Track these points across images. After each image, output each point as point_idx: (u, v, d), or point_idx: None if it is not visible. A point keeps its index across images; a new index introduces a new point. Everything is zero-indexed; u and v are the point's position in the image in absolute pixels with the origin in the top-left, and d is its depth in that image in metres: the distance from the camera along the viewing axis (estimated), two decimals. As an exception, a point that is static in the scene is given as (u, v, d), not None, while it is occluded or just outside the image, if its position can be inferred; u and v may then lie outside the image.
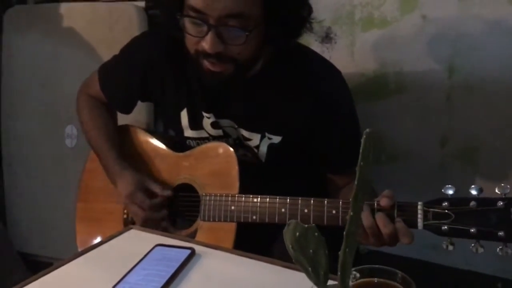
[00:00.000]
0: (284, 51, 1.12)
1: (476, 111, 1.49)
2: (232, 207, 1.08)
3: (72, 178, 1.37)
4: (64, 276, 0.86)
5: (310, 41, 1.65)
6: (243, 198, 1.07)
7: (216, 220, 1.10)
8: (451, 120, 1.53)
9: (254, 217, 1.05)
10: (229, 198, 1.09)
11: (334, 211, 0.97)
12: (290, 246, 0.47)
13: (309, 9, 1.06)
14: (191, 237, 1.13)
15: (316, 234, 0.46)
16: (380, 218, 0.91)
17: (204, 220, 1.13)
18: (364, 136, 0.42)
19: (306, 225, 0.47)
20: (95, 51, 1.76)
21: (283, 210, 1.02)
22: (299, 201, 1.00)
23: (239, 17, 0.96)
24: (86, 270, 0.88)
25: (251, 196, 1.06)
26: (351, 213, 0.42)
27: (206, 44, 0.98)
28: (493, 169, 1.51)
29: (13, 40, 1.92)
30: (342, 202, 0.98)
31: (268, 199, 1.04)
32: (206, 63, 1.02)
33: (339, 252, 0.45)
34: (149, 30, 1.25)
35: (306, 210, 0.99)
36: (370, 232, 0.92)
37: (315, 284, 0.49)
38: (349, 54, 1.62)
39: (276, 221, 1.03)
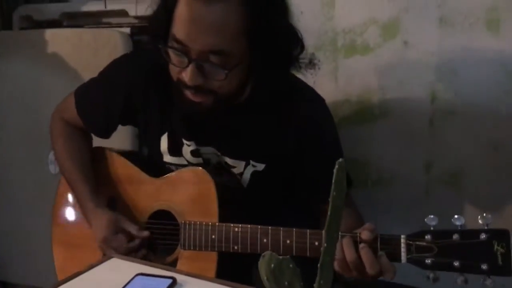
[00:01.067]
0: (267, 81, 1.11)
1: (459, 136, 1.50)
2: (213, 236, 1.06)
3: (54, 194, 1.34)
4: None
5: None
6: (224, 227, 1.05)
7: (197, 249, 1.09)
8: (435, 145, 1.54)
9: (236, 247, 1.04)
10: (209, 227, 1.07)
11: (316, 243, 0.96)
12: (265, 277, 0.46)
13: (301, 47, 1.06)
14: (172, 265, 1.11)
15: (290, 265, 0.45)
16: (365, 255, 0.90)
17: (184, 248, 1.11)
18: (337, 166, 0.42)
19: (281, 257, 0.46)
20: (79, 76, 1.76)
21: (265, 240, 1.01)
22: (281, 231, 0.99)
23: (221, 54, 0.97)
24: (65, 301, 0.86)
25: (231, 225, 1.05)
26: (325, 244, 0.42)
27: (186, 76, 0.99)
28: (478, 194, 1.51)
29: (-3, 64, 1.91)
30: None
31: (249, 228, 1.03)
32: (187, 92, 1.02)
33: (314, 285, 0.44)
34: (129, 53, 1.23)
35: (288, 241, 0.98)
36: (353, 267, 0.91)
37: (291, 316, 0.48)
38: (332, 80, 1.63)
39: (259, 251, 1.02)
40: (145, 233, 1.15)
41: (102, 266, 0.98)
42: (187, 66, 0.98)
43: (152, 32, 1.07)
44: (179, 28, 0.97)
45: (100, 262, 0.99)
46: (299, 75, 1.50)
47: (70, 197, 1.28)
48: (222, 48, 0.96)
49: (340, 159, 0.42)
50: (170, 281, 0.87)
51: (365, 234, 0.91)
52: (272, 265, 0.46)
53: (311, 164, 1.13)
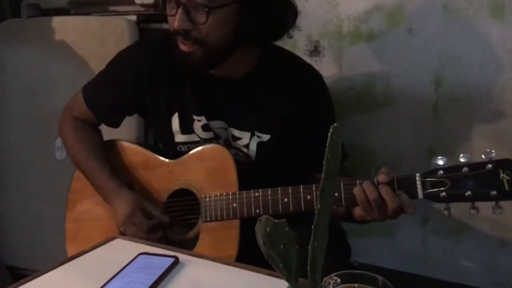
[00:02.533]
0: (270, 55, 1.18)
1: (463, 123, 1.50)
2: (234, 204, 1.09)
3: (62, 191, 1.35)
4: (46, 283, 0.85)
5: (299, 54, 1.66)
6: (244, 194, 1.09)
7: (219, 219, 1.11)
8: (439, 132, 1.54)
9: (258, 211, 1.07)
10: (230, 196, 1.10)
11: (308, 197, 1.02)
12: (262, 241, 0.47)
13: (294, 14, 1.11)
14: (194, 240, 1.14)
15: (286, 229, 0.46)
16: (386, 192, 0.96)
17: (205, 221, 1.13)
18: (331, 130, 0.43)
19: (276, 220, 0.47)
20: (86, 64, 1.78)
21: (285, 199, 1.04)
22: (301, 188, 1.04)
23: None
24: (68, 278, 0.88)
25: (252, 191, 1.08)
26: (319, 206, 0.43)
27: (174, 21, 1.04)
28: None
29: (5, 53, 1.93)
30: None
31: (269, 191, 1.06)
32: (179, 43, 1.07)
33: (308, 247, 0.45)
34: (133, 43, 1.26)
35: (309, 197, 1.03)
36: (375, 205, 0.97)
37: (287, 280, 0.49)
38: (337, 67, 1.63)
39: (280, 211, 1.05)
40: (166, 218, 1.17)
41: (106, 246, 0.99)
42: (177, 11, 1.03)
43: None
44: None
45: (104, 242, 1.01)
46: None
47: (84, 193, 1.28)
48: None
49: (335, 124, 0.43)
50: (172, 259, 0.88)
51: (382, 177, 0.98)
52: (268, 229, 0.47)
53: (309, 134, 1.17)
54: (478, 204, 0.93)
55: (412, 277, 1.64)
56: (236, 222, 1.10)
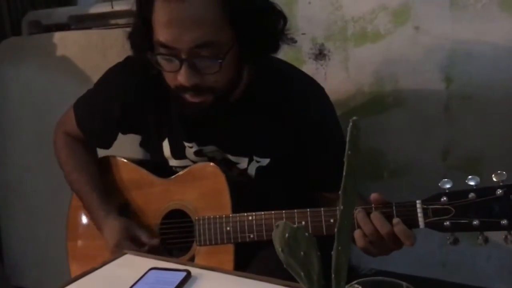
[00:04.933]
0: (265, 71, 1.10)
1: (476, 121, 1.47)
2: (228, 228, 1.05)
3: (68, 208, 1.33)
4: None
5: (304, 59, 1.65)
6: (238, 217, 1.04)
7: (213, 243, 1.07)
8: (451, 131, 1.51)
9: (252, 236, 1.02)
10: (223, 219, 1.06)
11: (332, 220, 0.95)
12: (280, 249, 0.44)
13: (284, 21, 1.04)
14: None
15: (306, 234, 0.43)
16: (375, 218, 0.89)
17: (200, 244, 1.09)
18: (350, 124, 0.39)
19: (295, 225, 0.44)
20: (88, 77, 1.76)
21: None
22: (295, 213, 0.98)
23: (210, 46, 0.95)
24: (78, 296, 0.85)
25: (245, 214, 1.03)
26: (342, 207, 0.39)
27: (181, 78, 0.97)
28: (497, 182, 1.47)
29: (7, 71, 1.92)
30: (339, 209, 0.95)
31: (263, 215, 1.01)
32: (187, 96, 1.00)
33: (332, 252, 0.42)
34: (122, 61, 1.23)
35: (303, 222, 0.97)
36: (372, 239, 0.90)
37: (309, 290, 0.45)
38: (343, 69, 1.60)
39: None
40: (155, 241, 1.13)
41: (116, 262, 0.97)
42: (180, 68, 0.96)
43: (137, 47, 1.05)
44: (161, 32, 0.95)
45: (114, 258, 0.98)
46: (311, 66, 1.50)
47: (83, 210, 1.26)
48: (209, 39, 0.95)
49: (354, 117, 0.40)
50: (184, 274, 0.85)
51: (374, 196, 0.91)
52: (287, 235, 0.43)
53: (313, 152, 1.12)
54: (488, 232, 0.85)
55: (431, 282, 1.59)
56: (231, 247, 1.07)
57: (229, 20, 0.95)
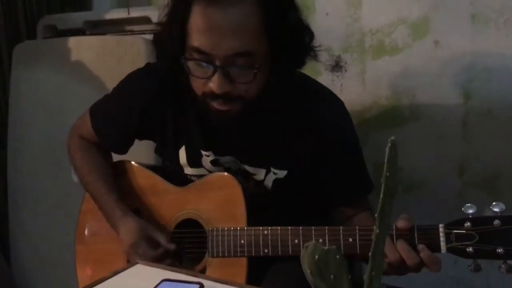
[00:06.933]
0: (284, 82, 1.08)
1: (494, 137, 1.45)
2: (242, 241, 1.02)
3: (78, 212, 1.31)
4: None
5: (320, 70, 1.63)
6: (253, 230, 1.02)
7: (226, 255, 1.05)
8: (469, 147, 1.49)
9: (266, 251, 1.00)
10: (238, 232, 1.03)
11: (350, 239, 0.92)
12: (309, 271, 0.42)
13: (311, 36, 1.03)
14: None
15: (337, 256, 0.41)
16: (402, 249, 0.87)
17: (212, 256, 1.07)
18: (389, 144, 0.38)
19: (326, 247, 0.42)
20: (103, 83, 1.75)
21: (296, 241, 0.97)
22: (313, 230, 0.96)
23: (246, 55, 0.94)
24: (88, 307, 0.84)
25: (261, 228, 1.01)
26: (377, 231, 0.37)
27: (213, 85, 0.96)
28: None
29: (21, 74, 1.92)
30: (358, 229, 0.93)
31: (279, 230, 0.99)
32: (214, 104, 0.99)
33: (364, 277, 0.40)
34: (142, 67, 1.23)
35: (320, 240, 0.94)
36: (396, 265, 0.88)
37: (337, 314, 0.43)
38: (360, 82, 1.59)
39: (290, 253, 0.98)
40: (172, 246, 1.11)
41: (127, 272, 0.95)
42: (213, 75, 0.95)
43: (167, 50, 1.04)
44: (199, 37, 0.95)
45: (125, 268, 0.97)
46: (327, 77, 1.49)
47: (94, 214, 1.24)
48: (247, 49, 0.94)
49: (392, 137, 0.38)
50: (197, 286, 0.83)
51: (401, 223, 0.88)
52: (316, 257, 0.41)
53: (333, 167, 1.10)
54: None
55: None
56: (244, 261, 1.04)
57: (266, 31, 0.95)
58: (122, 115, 1.20)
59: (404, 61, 1.52)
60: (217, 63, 0.95)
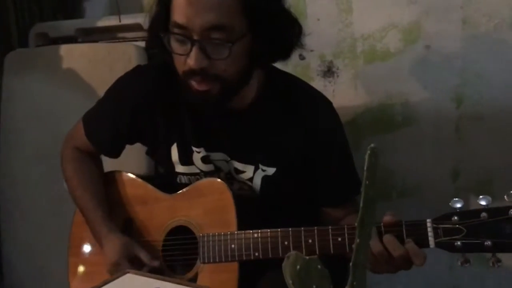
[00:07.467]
0: (275, 81, 1.13)
1: (487, 141, 1.45)
2: (232, 245, 1.03)
3: (70, 223, 1.31)
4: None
5: (313, 76, 1.63)
6: (243, 234, 1.02)
7: (217, 260, 1.05)
8: (462, 152, 1.49)
9: (257, 254, 1.01)
10: (228, 236, 1.04)
11: (339, 239, 0.93)
12: (291, 281, 0.41)
13: (298, 29, 1.06)
14: (192, 281, 1.08)
15: (319, 266, 0.40)
16: (388, 240, 0.88)
17: (204, 262, 1.07)
18: (368, 152, 0.37)
19: (307, 257, 0.41)
20: (95, 91, 1.74)
21: (286, 243, 0.98)
22: (302, 231, 0.96)
23: (222, 29, 0.97)
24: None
25: (251, 231, 1.02)
26: (358, 240, 0.37)
27: (190, 61, 0.98)
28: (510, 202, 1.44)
29: (13, 82, 1.90)
30: (347, 227, 0.94)
31: (269, 232, 1.00)
32: (193, 84, 1.01)
33: (346, 287, 0.39)
34: (131, 70, 1.25)
35: (310, 241, 0.95)
36: (380, 259, 0.89)
37: (321, 325, 0.42)
38: (352, 87, 1.59)
39: (280, 255, 0.98)
40: (156, 263, 1.11)
41: (117, 282, 0.94)
42: (191, 50, 0.98)
43: (155, 30, 1.07)
44: (178, 12, 0.98)
45: (115, 277, 0.96)
46: (319, 83, 1.49)
47: (86, 227, 1.23)
48: (222, 22, 0.97)
49: (372, 144, 0.37)
50: (187, 296, 0.83)
51: (387, 218, 0.90)
52: (298, 267, 0.40)
53: (321, 167, 1.12)
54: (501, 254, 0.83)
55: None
56: (235, 265, 1.04)
57: (244, 9, 0.98)
58: (114, 117, 1.21)
59: (396, 66, 1.52)
60: (195, 37, 0.97)
